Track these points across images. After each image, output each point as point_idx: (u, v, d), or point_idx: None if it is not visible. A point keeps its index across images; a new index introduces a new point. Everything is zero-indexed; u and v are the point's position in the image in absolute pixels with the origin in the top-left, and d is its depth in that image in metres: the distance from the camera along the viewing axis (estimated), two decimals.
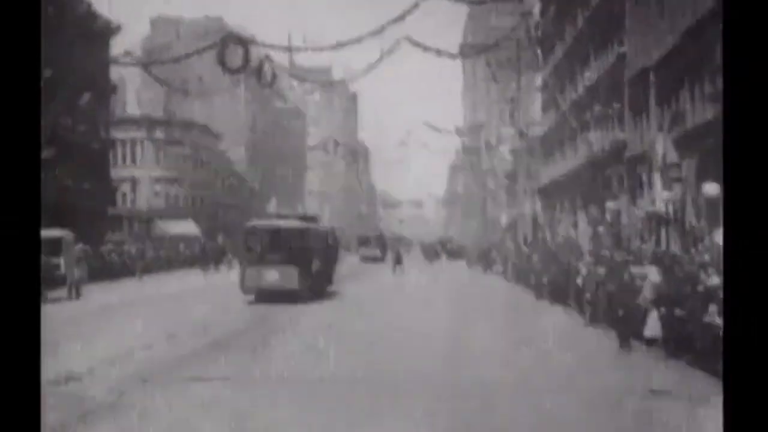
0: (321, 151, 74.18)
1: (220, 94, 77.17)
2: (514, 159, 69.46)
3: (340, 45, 29.93)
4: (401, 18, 27.93)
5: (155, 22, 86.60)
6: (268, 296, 28.44)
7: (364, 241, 73.79)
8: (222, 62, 33.04)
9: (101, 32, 50.57)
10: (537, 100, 67.66)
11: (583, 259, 23.61)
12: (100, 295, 31.72)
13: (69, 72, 45.82)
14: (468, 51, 56.82)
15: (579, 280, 22.17)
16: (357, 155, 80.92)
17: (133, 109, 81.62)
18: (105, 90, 54.04)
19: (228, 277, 40.25)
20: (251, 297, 28.95)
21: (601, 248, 30.30)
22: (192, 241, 60.20)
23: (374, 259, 65.06)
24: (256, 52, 45.73)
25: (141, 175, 71.01)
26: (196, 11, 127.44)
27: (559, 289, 26.20)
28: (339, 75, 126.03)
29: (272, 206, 63.87)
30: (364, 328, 21.61)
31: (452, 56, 36.20)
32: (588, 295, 20.30)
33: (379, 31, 28.71)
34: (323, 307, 27.72)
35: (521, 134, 55.76)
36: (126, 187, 68.58)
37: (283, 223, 30.90)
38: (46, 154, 37.29)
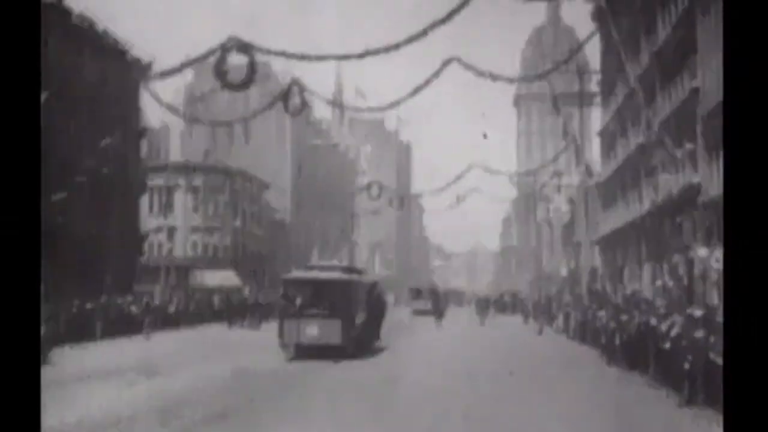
0: (367, 198, 71.34)
1: (267, 140, 74.92)
2: (572, 208, 66.24)
3: (370, 53, 26.18)
4: (449, 18, 24.27)
5: (198, 69, 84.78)
6: (308, 352, 26.26)
7: (415, 294, 72.76)
8: (221, 76, 29.31)
9: (129, 69, 47.69)
10: (595, 145, 64.29)
11: (670, 318, 19.23)
12: (80, 359, 26.69)
13: (91, 111, 43.15)
14: (525, 77, 53.14)
15: (667, 345, 17.96)
16: (408, 202, 77.86)
17: (176, 157, 79.92)
18: (134, 132, 51.23)
19: (256, 333, 37.15)
20: (290, 354, 26.74)
21: (671, 303, 26.66)
22: (230, 293, 57.22)
23: (426, 313, 62.29)
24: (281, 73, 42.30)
25: (178, 224, 68.55)
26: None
27: (636, 353, 21.91)
28: (391, 125, 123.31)
29: (314, 256, 60.97)
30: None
31: (510, 81, 32.56)
32: (687, 366, 15.83)
33: (421, 35, 24.97)
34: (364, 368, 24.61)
35: (583, 180, 51.84)
36: (162, 236, 66.10)
37: (323, 275, 28.97)
38: (57, 196, 34.62)
